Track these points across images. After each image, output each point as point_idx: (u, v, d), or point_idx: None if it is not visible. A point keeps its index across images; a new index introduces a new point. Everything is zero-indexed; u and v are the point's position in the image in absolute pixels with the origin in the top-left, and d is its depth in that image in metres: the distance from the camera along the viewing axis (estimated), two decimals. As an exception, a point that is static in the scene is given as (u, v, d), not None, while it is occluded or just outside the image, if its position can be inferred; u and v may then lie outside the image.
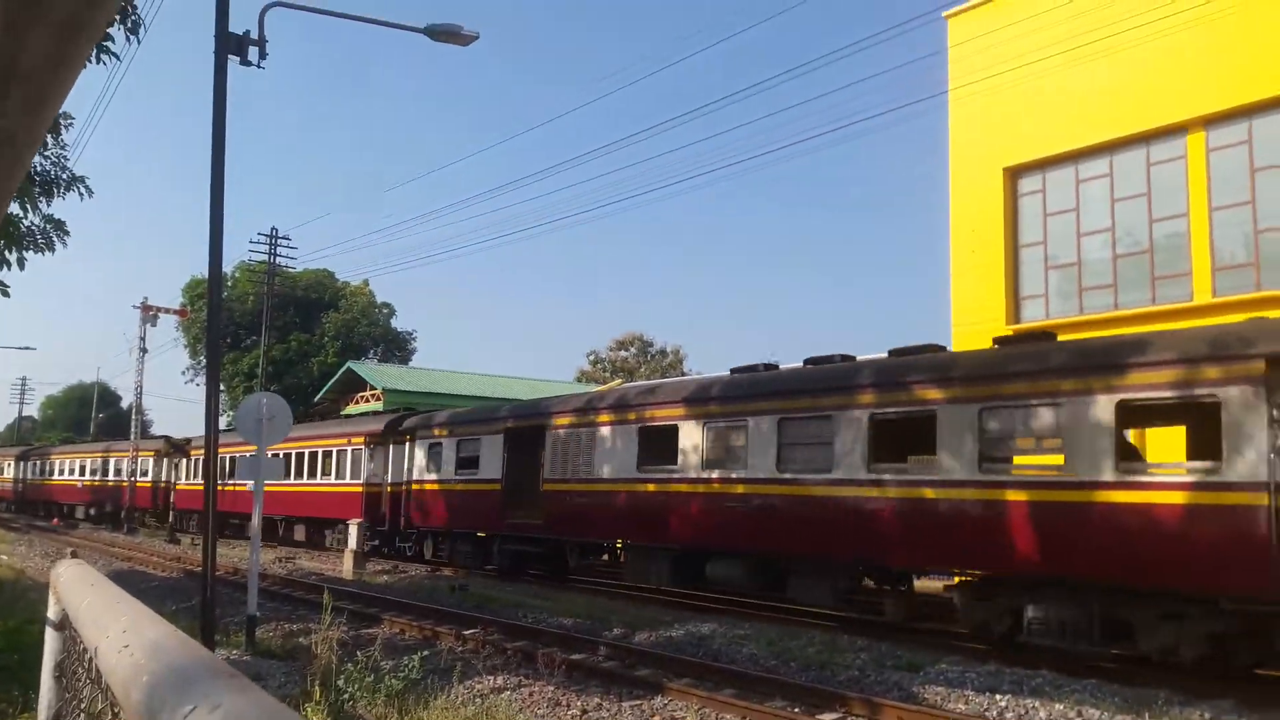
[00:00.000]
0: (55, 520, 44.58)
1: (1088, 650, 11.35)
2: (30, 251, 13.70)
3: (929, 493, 12.85)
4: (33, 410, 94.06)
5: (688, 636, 13.20)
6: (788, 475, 14.74)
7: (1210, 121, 18.36)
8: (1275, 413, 9.74)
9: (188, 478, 35.84)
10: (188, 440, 36.97)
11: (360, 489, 26.42)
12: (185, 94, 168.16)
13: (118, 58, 12.42)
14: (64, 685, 2.30)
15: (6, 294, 13.73)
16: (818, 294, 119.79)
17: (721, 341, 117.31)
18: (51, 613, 2.47)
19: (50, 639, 2.45)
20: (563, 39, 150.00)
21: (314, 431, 29.38)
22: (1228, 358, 10.26)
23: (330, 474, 27.85)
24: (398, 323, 65.60)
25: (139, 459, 39.50)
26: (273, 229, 38.69)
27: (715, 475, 15.95)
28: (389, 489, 25.67)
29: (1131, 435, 14.86)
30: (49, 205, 14.03)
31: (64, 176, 14.07)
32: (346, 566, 22.31)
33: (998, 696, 9.75)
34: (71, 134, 15.98)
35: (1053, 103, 20.42)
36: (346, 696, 8.47)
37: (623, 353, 70.32)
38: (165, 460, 39.10)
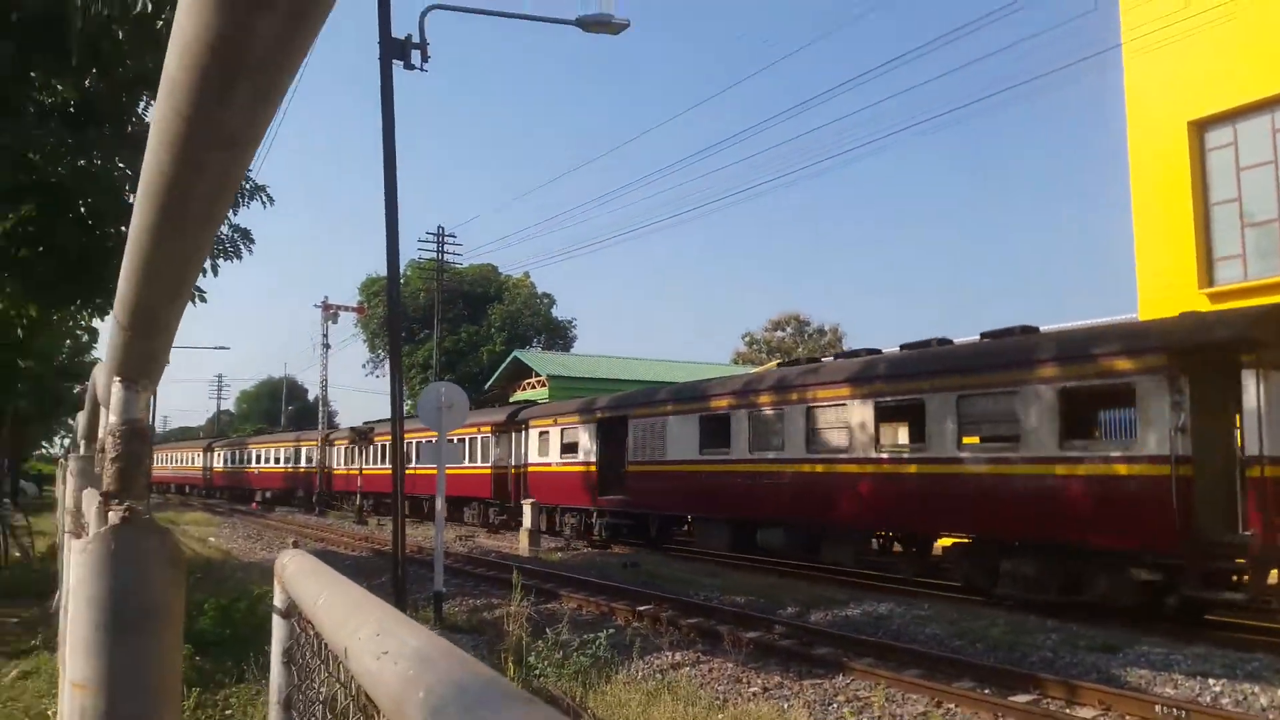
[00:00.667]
0: (254, 504, 48.08)
1: (1049, 600, 12.90)
2: (221, 259, 14.66)
3: (919, 469, 15.04)
4: (229, 404, 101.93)
5: (865, 616, 12.92)
6: (816, 455, 17.15)
7: None
8: (1176, 398, 11.46)
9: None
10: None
11: (489, 471, 29.54)
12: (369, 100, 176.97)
13: None
14: (293, 672, 2.35)
15: (204, 299, 14.73)
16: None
17: (887, 318, 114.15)
18: (277, 600, 2.53)
19: (277, 625, 2.51)
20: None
21: (453, 424, 31.49)
22: (1139, 351, 12.06)
23: (464, 459, 30.32)
24: (558, 312, 67.26)
25: (306, 446, 42.70)
26: (439, 227, 40.30)
27: (760, 456, 18.34)
28: (512, 471, 28.28)
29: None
30: (235, 215, 14.96)
31: (247, 187, 14.96)
32: (522, 544, 23.05)
33: (1210, 680, 9.09)
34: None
35: (1240, 47, 18.48)
36: (537, 673, 8.71)
37: (779, 333, 69.34)
38: (327, 448, 42.55)
